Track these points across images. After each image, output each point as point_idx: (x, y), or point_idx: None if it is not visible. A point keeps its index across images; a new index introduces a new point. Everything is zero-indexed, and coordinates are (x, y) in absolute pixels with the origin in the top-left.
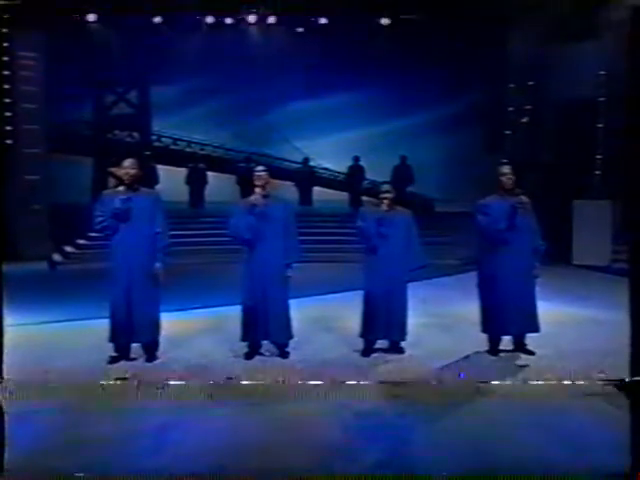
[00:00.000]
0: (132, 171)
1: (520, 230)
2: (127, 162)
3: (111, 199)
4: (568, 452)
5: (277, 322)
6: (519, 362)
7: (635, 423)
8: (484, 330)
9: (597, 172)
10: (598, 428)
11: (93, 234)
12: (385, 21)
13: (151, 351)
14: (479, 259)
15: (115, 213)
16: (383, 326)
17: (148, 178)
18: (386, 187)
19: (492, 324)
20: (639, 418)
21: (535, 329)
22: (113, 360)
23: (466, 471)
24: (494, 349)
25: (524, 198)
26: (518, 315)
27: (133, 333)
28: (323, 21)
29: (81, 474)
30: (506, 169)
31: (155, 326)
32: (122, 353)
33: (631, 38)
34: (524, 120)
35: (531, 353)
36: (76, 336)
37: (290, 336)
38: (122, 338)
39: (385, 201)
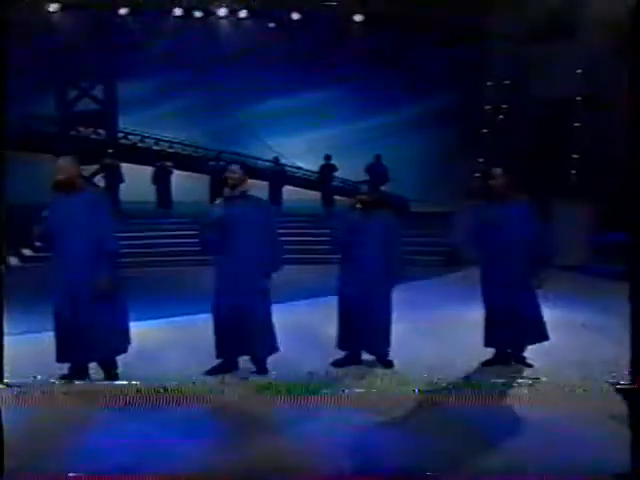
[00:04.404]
0: (64, 172)
1: (521, 237)
2: (61, 161)
3: (50, 204)
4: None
5: (257, 335)
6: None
7: (635, 424)
8: (488, 344)
9: (573, 172)
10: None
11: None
12: (358, 18)
13: (108, 369)
14: (481, 268)
15: (46, 220)
16: (362, 336)
17: (113, 177)
18: (362, 188)
19: (494, 336)
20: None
21: (541, 339)
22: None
23: (465, 472)
24: (497, 360)
25: (525, 205)
26: (519, 326)
27: (85, 350)
28: (295, 16)
29: (79, 474)
30: (497, 171)
31: (109, 341)
32: (76, 371)
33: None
34: (500, 118)
35: (528, 365)
36: (31, 351)
37: (274, 349)
38: (70, 356)
39: (359, 204)
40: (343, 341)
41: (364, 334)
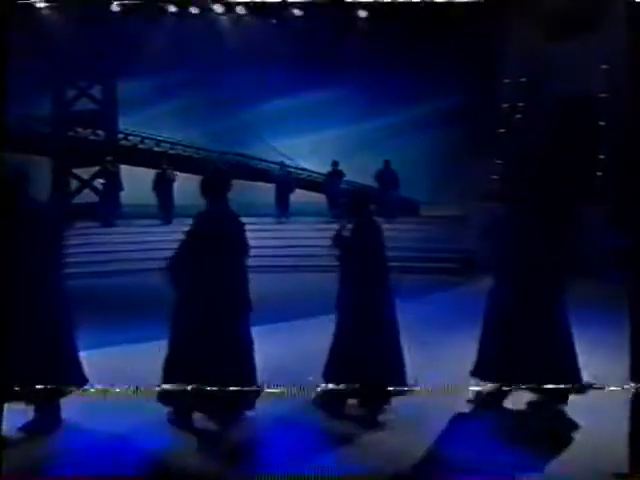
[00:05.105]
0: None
1: (541, 243)
2: None
3: None
4: None
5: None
6: None
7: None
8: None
9: (599, 173)
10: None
11: None
12: (364, 13)
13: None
14: (494, 283)
15: None
16: (352, 368)
17: (111, 184)
18: (348, 194)
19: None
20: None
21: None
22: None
23: (466, 472)
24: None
25: (545, 209)
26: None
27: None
28: (298, 13)
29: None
30: (519, 176)
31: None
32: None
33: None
34: (517, 117)
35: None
36: None
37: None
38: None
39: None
40: (332, 370)
41: (358, 363)
